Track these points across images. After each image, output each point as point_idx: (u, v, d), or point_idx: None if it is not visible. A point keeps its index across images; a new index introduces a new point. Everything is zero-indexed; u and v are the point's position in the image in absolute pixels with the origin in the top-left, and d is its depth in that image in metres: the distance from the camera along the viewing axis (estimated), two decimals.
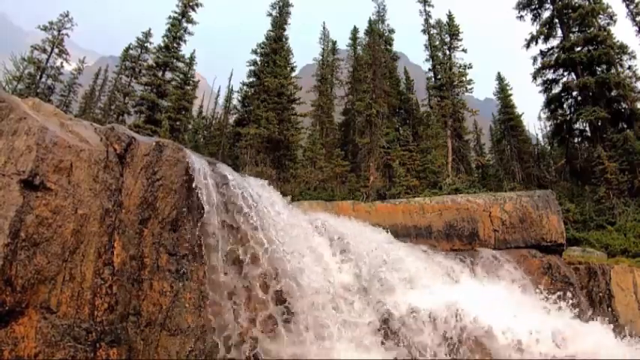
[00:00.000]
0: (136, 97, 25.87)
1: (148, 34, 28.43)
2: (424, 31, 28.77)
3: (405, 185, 20.51)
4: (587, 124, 21.54)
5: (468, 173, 24.35)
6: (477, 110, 26.96)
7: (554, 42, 23.63)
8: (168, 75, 25.82)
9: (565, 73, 22.94)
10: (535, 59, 23.94)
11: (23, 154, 3.97)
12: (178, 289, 4.68)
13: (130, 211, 4.64)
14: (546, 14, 24.09)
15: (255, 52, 28.09)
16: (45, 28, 25.91)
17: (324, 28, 33.72)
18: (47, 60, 25.67)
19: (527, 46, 24.51)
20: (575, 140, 23.65)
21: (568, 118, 22.78)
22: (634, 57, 21.52)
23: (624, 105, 20.73)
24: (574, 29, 22.64)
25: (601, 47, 20.86)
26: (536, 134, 31.51)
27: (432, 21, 28.67)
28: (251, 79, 28.13)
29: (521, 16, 25.24)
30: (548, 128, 26.86)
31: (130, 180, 4.78)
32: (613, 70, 21.11)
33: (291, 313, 5.16)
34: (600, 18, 22.02)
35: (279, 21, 28.37)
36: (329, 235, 7.22)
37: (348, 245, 7.04)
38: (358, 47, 31.95)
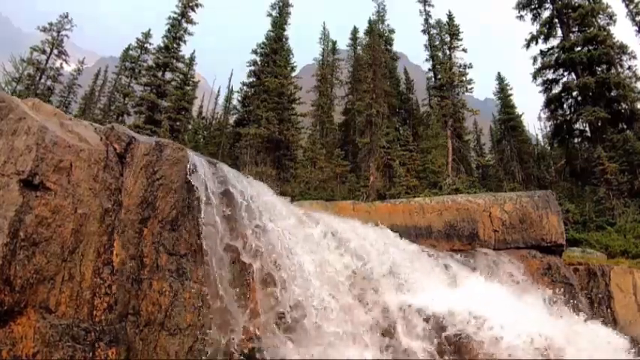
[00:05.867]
0: (135, 97, 25.86)
1: (147, 35, 28.42)
2: (424, 31, 28.80)
3: (405, 185, 20.51)
4: (587, 125, 21.52)
5: (468, 173, 24.35)
6: (478, 110, 26.93)
7: (554, 42, 23.67)
8: (168, 75, 25.82)
9: (565, 73, 22.94)
10: (535, 59, 23.96)
11: (23, 154, 3.97)
12: (178, 288, 4.68)
13: (129, 211, 4.64)
14: (546, 14, 24.13)
15: (255, 52, 28.12)
16: (44, 29, 25.93)
17: (324, 28, 33.76)
18: (47, 61, 25.67)
19: (527, 46, 24.52)
20: (575, 140, 23.63)
21: (568, 118, 22.77)
22: (634, 57, 21.52)
23: (624, 105, 20.72)
24: (574, 29, 22.64)
25: (601, 47, 20.85)
26: (536, 134, 31.54)
27: (432, 21, 28.73)
28: (251, 79, 28.15)
29: (521, 16, 25.26)
30: (548, 128, 26.89)
31: (130, 179, 4.78)
32: (613, 70, 21.11)
33: (289, 313, 5.16)
34: (600, 18, 22.03)
35: (279, 21, 28.38)
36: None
37: None
38: (358, 47, 31.97)
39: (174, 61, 25.62)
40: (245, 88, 28.69)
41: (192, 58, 26.76)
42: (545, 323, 6.34)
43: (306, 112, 28.41)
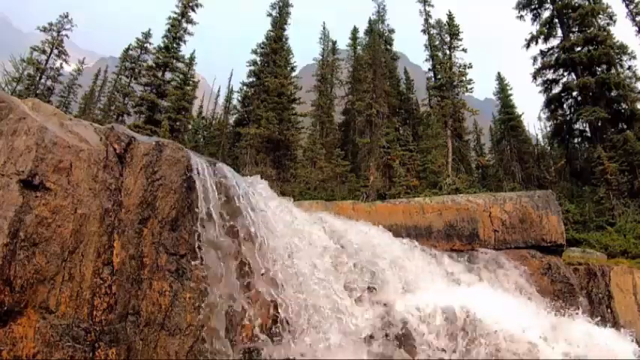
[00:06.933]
0: (135, 97, 25.84)
1: (147, 35, 28.41)
2: (424, 31, 28.77)
3: (405, 185, 20.54)
4: (587, 125, 21.54)
5: (468, 173, 24.34)
6: (478, 110, 26.93)
7: (554, 42, 23.69)
8: (168, 75, 25.81)
9: (565, 73, 22.96)
10: (535, 59, 23.98)
11: (23, 154, 3.97)
12: (178, 288, 4.68)
13: (129, 211, 4.64)
14: (546, 14, 24.15)
15: (255, 52, 28.11)
16: (44, 29, 25.90)
17: (324, 28, 33.70)
18: (47, 61, 25.64)
19: (527, 46, 24.53)
20: (575, 141, 23.66)
21: (568, 118, 22.79)
22: (634, 57, 21.52)
23: (624, 105, 20.71)
24: (574, 29, 22.64)
25: (601, 47, 20.86)
26: (536, 134, 31.53)
27: (432, 21, 28.68)
28: (251, 79, 28.15)
29: (521, 16, 25.27)
30: (548, 128, 26.91)
31: (130, 179, 4.77)
32: (613, 71, 21.11)
33: (289, 314, 5.16)
34: (600, 18, 22.03)
35: (279, 21, 28.38)
36: None
37: None
38: (358, 47, 31.96)
39: (174, 61, 25.61)
40: (245, 88, 28.69)
41: (192, 58, 26.74)
42: None
43: (306, 112, 28.40)
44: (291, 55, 28.12)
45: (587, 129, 22.07)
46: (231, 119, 30.42)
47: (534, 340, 5.71)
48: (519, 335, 5.74)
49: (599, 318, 7.71)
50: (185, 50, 32.53)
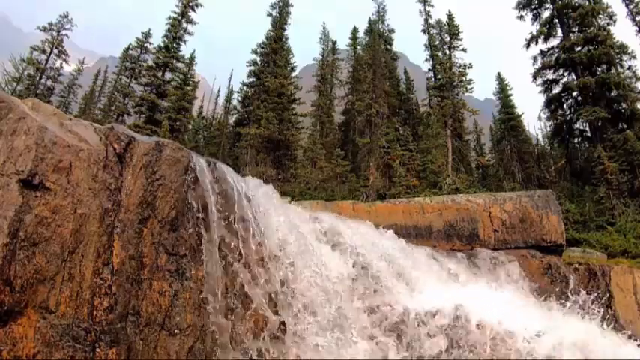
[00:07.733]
0: (135, 97, 25.83)
1: (147, 35, 28.40)
2: (424, 31, 28.74)
3: (405, 185, 20.53)
4: (587, 125, 21.52)
5: (468, 173, 24.32)
6: (478, 110, 26.91)
7: (554, 42, 23.65)
8: (168, 75, 25.79)
9: (565, 73, 22.94)
10: (535, 59, 23.96)
11: (22, 154, 3.97)
12: (178, 288, 4.68)
13: (129, 211, 4.64)
14: (546, 14, 24.11)
15: (255, 52, 28.10)
16: (44, 29, 25.88)
17: (324, 28, 33.66)
18: (47, 61, 25.62)
19: (527, 46, 24.52)
20: (575, 140, 23.64)
21: (568, 118, 22.78)
22: (634, 57, 21.49)
23: (624, 105, 20.69)
24: (574, 29, 22.63)
25: (601, 47, 20.84)
26: (536, 134, 31.45)
27: (432, 21, 28.63)
28: (251, 79, 28.14)
29: (521, 16, 25.25)
30: (548, 128, 26.89)
31: (130, 179, 4.77)
32: (613, 70, 21.09)
33: (287, 314, 5.17)
34: (600, 18, 22.00)
35: (279, 21, 28.37)
36: None
37: None
38: (358, 47, 31.95)
39: (174, 61, 25.59)
40: (245, 88, 28.68)
41: (192, 58, 26.70)
42: None
43: (306, 112, 28.38)
44: (291, 55, 28.12)
45: (587, 129, 22.05)
46: (231, 119, 30.42)
47: (528, 338, 5.72)
48: (516, 333, 5.75)
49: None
50: (185, 50, 32.61)
